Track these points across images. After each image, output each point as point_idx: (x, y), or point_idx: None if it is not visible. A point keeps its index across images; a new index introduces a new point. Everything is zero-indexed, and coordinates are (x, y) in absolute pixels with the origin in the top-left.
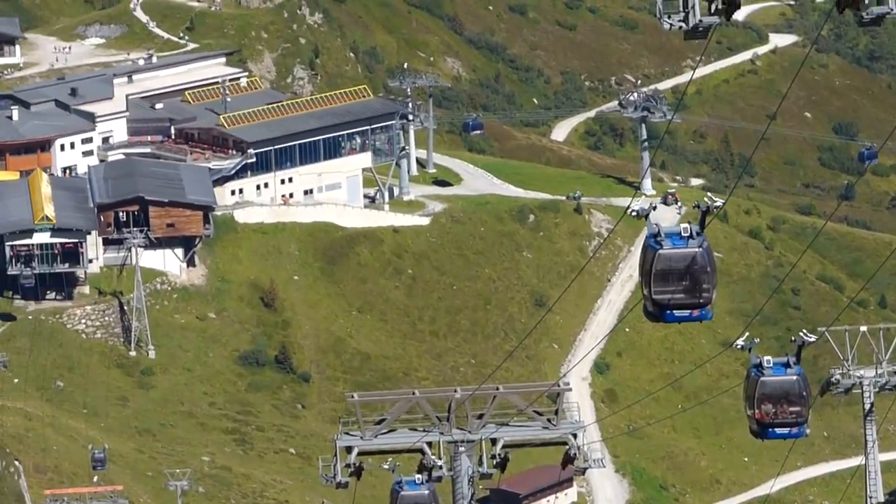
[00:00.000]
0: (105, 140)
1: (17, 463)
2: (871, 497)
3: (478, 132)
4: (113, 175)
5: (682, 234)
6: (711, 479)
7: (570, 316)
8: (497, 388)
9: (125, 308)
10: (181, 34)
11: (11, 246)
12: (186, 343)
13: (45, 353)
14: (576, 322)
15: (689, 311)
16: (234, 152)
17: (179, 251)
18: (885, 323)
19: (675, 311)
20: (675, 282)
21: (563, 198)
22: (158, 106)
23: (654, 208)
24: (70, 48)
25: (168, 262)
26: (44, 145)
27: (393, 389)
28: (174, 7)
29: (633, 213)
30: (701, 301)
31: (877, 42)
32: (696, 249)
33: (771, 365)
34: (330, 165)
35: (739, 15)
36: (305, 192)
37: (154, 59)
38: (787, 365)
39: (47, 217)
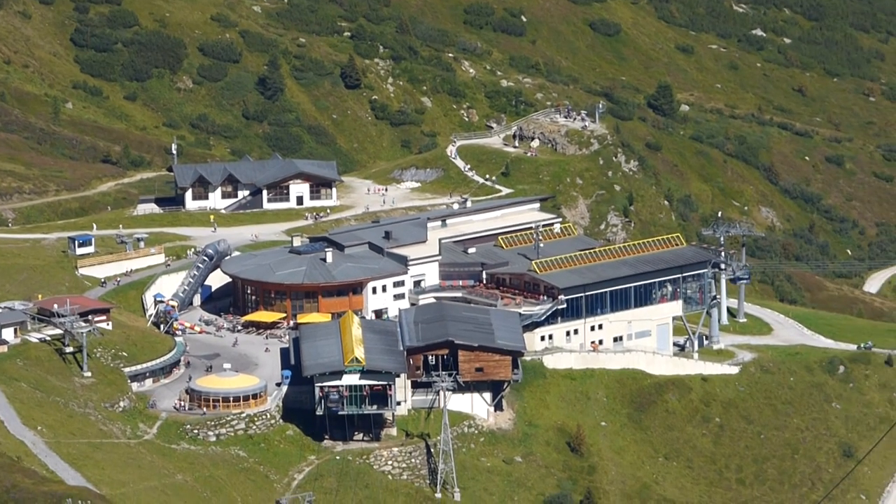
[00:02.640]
0: (417, 283)
1: None
2: None
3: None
4: (423, 319)
5: None
6: None
7: (878, 467)
8: None
9: (432, 450)
10: (495, 179)
11: (321, 387)
12: (492, 486)
13: (351, 494)
14: (885, 473)
15: None
16: (545, 298)
17: (487, 395)
18: None
19: None
20: None
21: (861, 347)
22: (471, 250)
23: None
24: (386, 191)
25: (476, 405)
26: (356, 288)
27: None
28: (490, 152)
29: None
30: None
31: None
32: None
33: None
34: (640, 313)
35: None
36: (615, 339)
37: (468, 204)
38: None
39: (357, 359)
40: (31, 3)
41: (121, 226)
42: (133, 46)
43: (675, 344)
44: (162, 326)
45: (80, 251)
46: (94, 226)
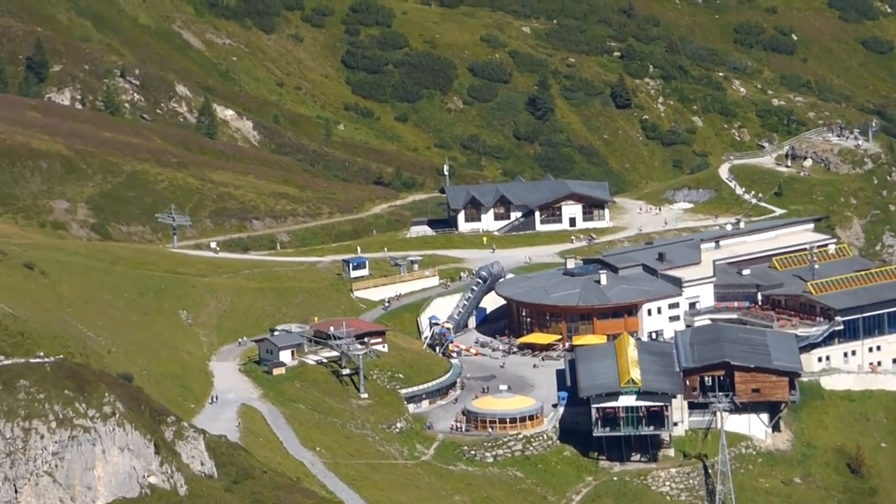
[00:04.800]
0: (692, 305)
1: None
2: None
3: None
4: (699, 340)
5: None
6: None
7: None
8: None
9: (709, 471)
10: (761, 196)
11: (597, 408)
12: None
13: None
14: None
15: None
16: (822, 319)
17: (765, 416)
18: None
19: None
20: None
21: None
22: (745, 272)
23: None
24: (659, 210)
25: (753, 426)
26: (631, 309)
27: None
28: (762, 172)
29: None
30: None
31: None
32: None
33: None
34: None
35: None
36: (894, 361)
37: (742, 225)
38: None
39: (633, 380)
40: (303, 26)
41: (385, 248)
42: (403, 68)
43: None
44: (437, 348)
45: (354, 274)
46: (359, 248)
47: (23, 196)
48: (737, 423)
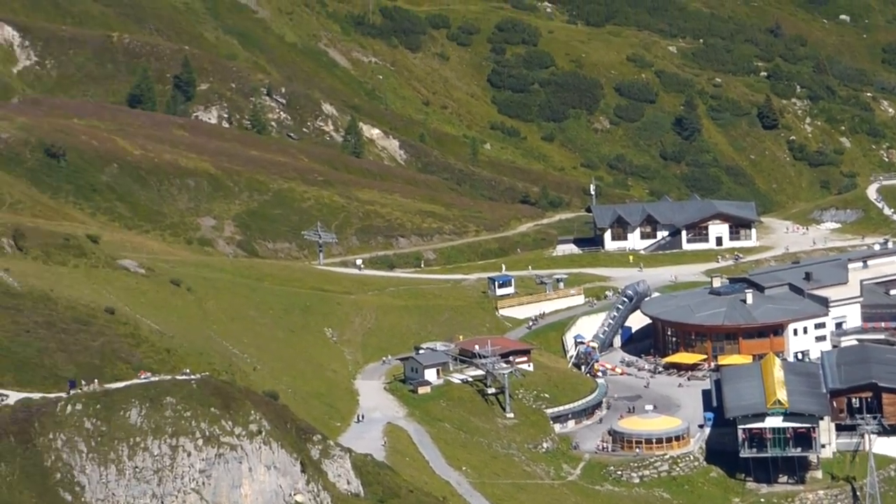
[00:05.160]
0: (838, 325)
1: None
2: None
3: None
4: (846, 361)
5: None
6: None
7: None
8: None
9: (858, 494)
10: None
11: (744, 429)
12: None
13: None
14: None
15: None
16: None
17: None
18: None
19: None
20: None
21: None
22: (893, 292)
23: None
24: (806, 230)
25: None
26: (777, 329)
27: None
28: None
29: None
30: None
31: None
32: None
33: None
34: None
35: None
36: None
37: (890, 245)
38: None
39: (779, 401)
40: (449, 45)
41: (529, 266)
42: (549, 87)
43: None
44: (583, 368)
45: (500, 292)
46: (503, 266)
47: (170, 213)
48: (885, 446)
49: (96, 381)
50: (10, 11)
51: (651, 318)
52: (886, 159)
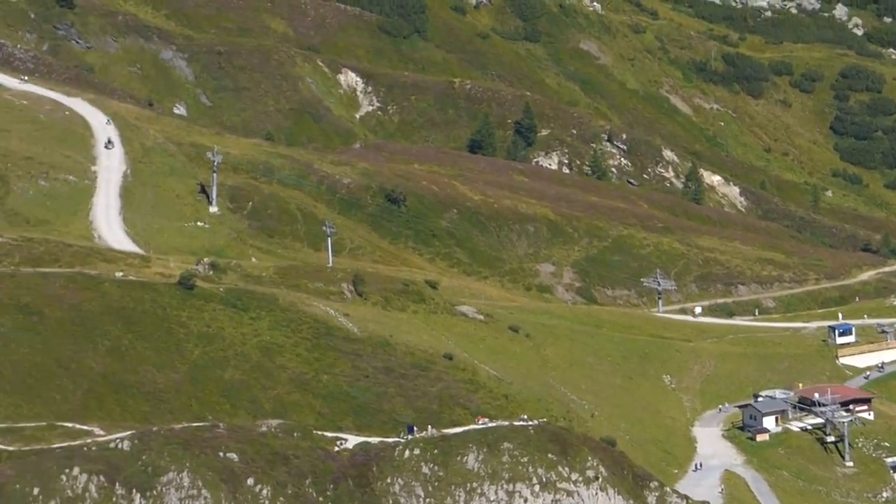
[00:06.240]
0: None
1: None
2: None
3: None
4: None
5: None
6: None
7: None
8: None
9: None
10: None
11: None
12: None
13: None
14: None
15: None
16: None
17: None
18: None
19: None
20: None
21: None
22: None
23: None
24: None
25: None
26: None
27: None
28: None
29: None
30: None
31: None
32: None
33: None
34: None
35: None
36: None
37: None
38: None
39: None
40: (792, 91)
41: (866, 315)
42: (893, 134)
43: None
44: None
45: (840, 340)
46: (840, 315)
47: (509, 259)
48: None
49: (431, 426)
50: (354, 58)
51: None
52: None
